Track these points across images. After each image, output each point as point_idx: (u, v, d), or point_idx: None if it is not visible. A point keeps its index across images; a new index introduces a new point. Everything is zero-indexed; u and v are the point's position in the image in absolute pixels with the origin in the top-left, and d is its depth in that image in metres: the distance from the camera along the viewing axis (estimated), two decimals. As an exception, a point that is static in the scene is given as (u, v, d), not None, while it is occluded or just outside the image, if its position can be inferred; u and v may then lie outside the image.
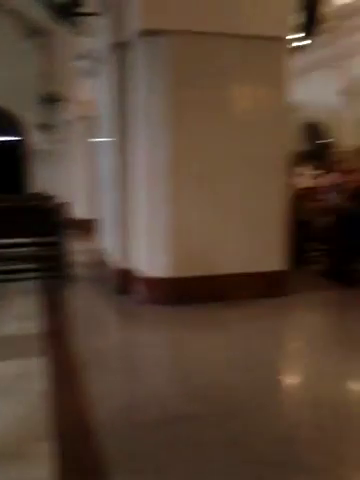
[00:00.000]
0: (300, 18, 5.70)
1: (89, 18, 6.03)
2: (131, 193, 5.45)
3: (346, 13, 15.58)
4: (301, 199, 8.27)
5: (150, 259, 5.19)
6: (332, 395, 3.06)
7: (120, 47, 5.40)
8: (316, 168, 11.97)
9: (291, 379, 3.61)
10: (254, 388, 3.19)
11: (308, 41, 6.29)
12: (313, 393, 3.16)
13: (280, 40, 5.25)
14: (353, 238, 5.77)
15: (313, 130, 20.30)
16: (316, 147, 20.13)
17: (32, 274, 6.30)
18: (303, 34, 5.92)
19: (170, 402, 2.99)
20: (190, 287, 5.03)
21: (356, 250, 5.79)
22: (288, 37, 5.42)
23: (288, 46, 5.45)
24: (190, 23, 4.83)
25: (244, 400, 3.02)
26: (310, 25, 5.67)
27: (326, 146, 18.28)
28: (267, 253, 5.26)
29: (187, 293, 5.01)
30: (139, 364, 3.78)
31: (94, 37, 6.41)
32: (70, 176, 12.88)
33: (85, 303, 5.46)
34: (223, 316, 4.72)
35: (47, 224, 6.15)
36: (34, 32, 14.81)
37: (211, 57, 4.99)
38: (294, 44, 7.84)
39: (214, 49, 4.99)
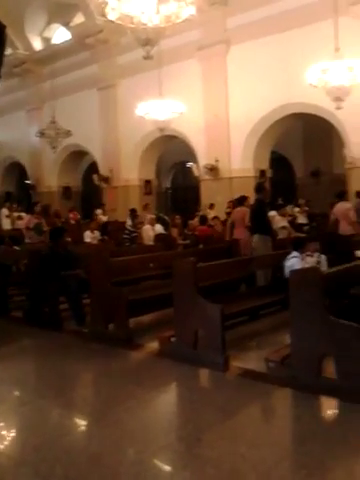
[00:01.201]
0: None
1: None
2: None
3: (46, 57, 16.03)
4: (2, 242, 7.96)
5: None
6: (36, 453, 2.87)
7: None
8: (19, 210, 11.77)
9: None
10: None
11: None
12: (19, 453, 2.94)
13: None
14: (50, 279, 5.59)
15: (16, 171, 20.05)
16: (19, 188, 19.88)
17: None
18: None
19: None
20: None
21: (56, 291, 5.66)
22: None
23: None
24: None
25: None
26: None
27: (29, 187, 18.23)
28: None
29: None
30: None
31: None
32: None
33: None
34: None
35: None
36: None
37: None
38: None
39: None
